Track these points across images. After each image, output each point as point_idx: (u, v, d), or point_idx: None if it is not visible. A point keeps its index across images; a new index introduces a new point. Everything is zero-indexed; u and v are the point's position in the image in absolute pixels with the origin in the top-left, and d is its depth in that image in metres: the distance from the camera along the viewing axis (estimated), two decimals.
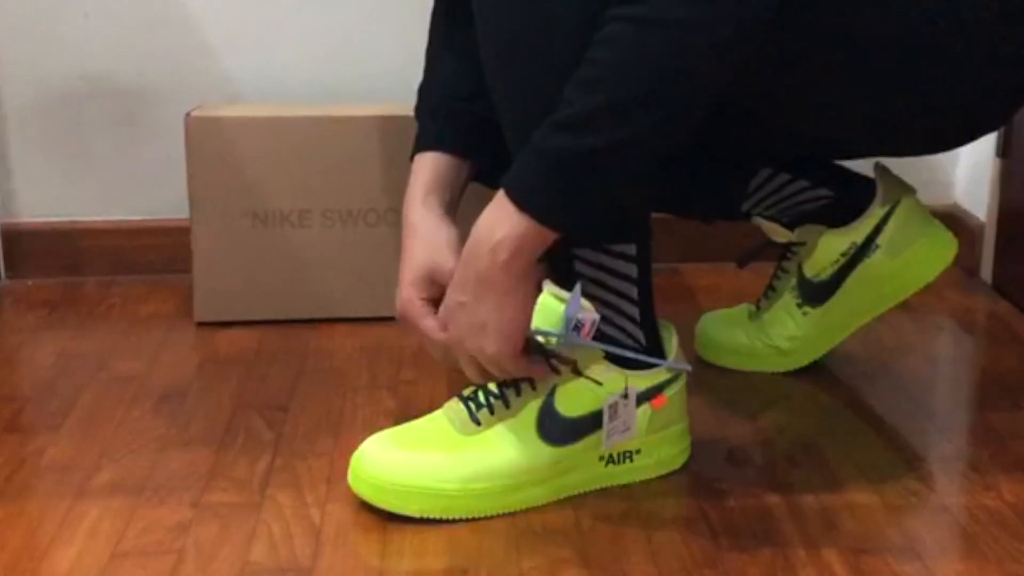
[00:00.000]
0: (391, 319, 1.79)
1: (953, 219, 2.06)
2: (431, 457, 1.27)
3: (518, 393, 1.29)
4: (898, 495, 1.32)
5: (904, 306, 1.86)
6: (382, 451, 1.28)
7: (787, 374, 1.61)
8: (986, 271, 1.96)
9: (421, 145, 1.42)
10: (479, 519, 1.27)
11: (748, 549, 1.22)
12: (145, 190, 1.97)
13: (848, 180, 1.56)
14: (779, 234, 1.57)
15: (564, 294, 1.25)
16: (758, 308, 1.64)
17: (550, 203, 1.16)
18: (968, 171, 2.05)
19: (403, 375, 1.62)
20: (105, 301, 1.89)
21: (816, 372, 1.61)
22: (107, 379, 1.61)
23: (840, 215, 1.54)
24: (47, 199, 1.97)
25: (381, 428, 1.45)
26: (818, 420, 1.50)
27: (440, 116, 1.42)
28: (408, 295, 1.34)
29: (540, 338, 1.24)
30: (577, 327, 1.24)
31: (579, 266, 1.30)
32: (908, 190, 1.57)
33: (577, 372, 1.28)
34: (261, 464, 1.39)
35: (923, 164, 2.07)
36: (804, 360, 1.61)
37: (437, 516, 1.26)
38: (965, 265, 2.01)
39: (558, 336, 1.24)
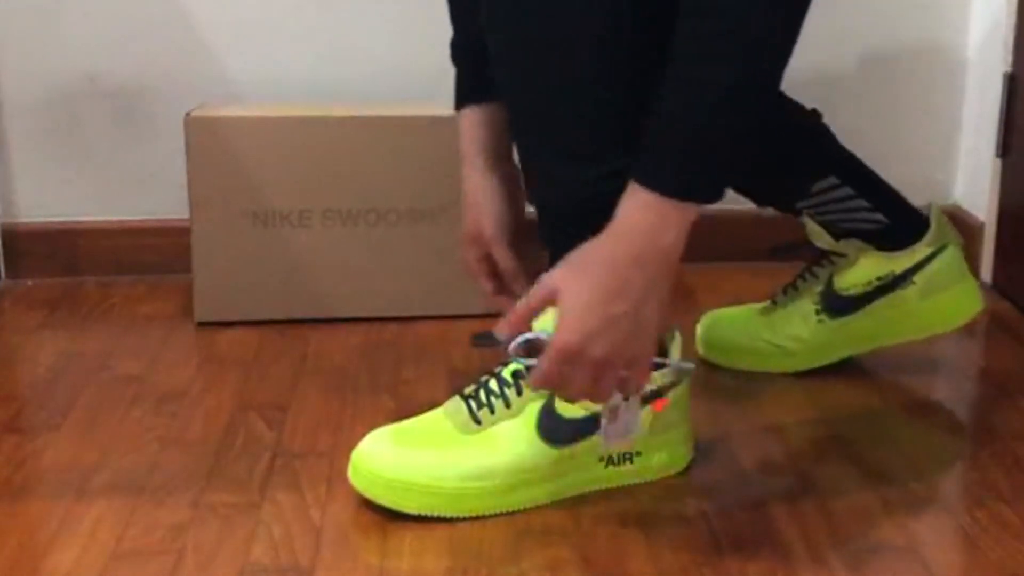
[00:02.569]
0: (391, 319, 1.80)
1: (953, 219, 2.05)
2: (430, 455, 1.27)
3: (519, 393, 1.29)
4: (898, 495, 1.32)
5: None
6: (382, 448, 1.28)
7: (787, 375, 1.61)
8: (986, 271, 1.96)
9: (457, 101, 1.44)
10: (479, 518, 1.27)
11: (748, 549, 1.22)
12: (145, 190, 1.97)
13: (905, 210, 1.59)
14: (824, 240, 1.58)
15: None
16: (774, 303, 1.64)
17: (712, 183, 1.16)
18: (968, 171, 2.05)
19: (403, 375, 1.62)
20: (105, 301, 1.89)
21: (816, 373, 1.61)
22: (107, 379, 1.61)
23: (888, 241, 1.56)
24: (47, 199, 1.97)
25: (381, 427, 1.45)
26: (818, 421, 1.50)
27: (467, 67, 1.44)
28: (463, 255, 1.40)
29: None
30: None
31: None
32: (956, 239, 1.59)
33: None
34: (261, 464, 1.39)
35: (922, 164, 2.07)
36: (803, 364, 1.61)
37: (435, 514, 1.26)
38: None
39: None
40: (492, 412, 1.30)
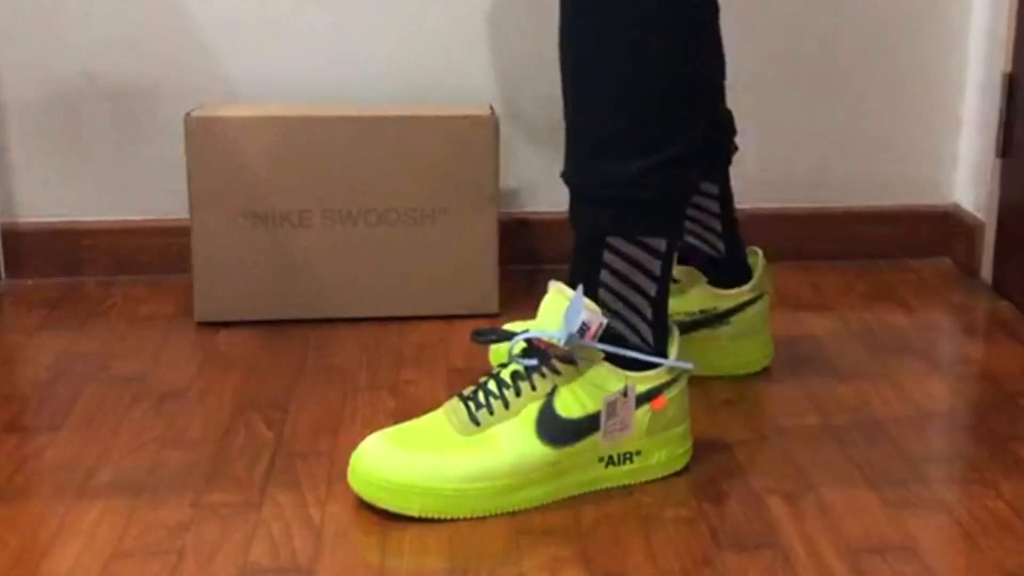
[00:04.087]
0: (391, 319, 1.80)
1: (953, 219, 2.06)
2: (430, 457, 1.27)
3: (518, 393, 1.30)
4: (897, 495, 1.32)
5: (903, 305, 1.86)
6: (381, 450, 1.28)
7: (787, 374, 1.61)
8: (986, 271, 1.96)
9: None
10: (480, 519, 1.27)
11: (748, 549, 1.22)
12: (145, 190, 1.97)
13: (738, 251, 1.62)
14: None
15: (570, 292, 1.25)
16: None
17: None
18: (968, 171, 2.05)
19: (403, 375, 1.62)
20: (105, 301, 1.89)
21: (815, 372, 1.61)
22: (107, 379, 1.61)
23: (716, 274, 1.59)
24: (47, 199, 1.97)
25: (381, 428, 1.45)
26: (817, 420, 1.50)
27: None
28: None
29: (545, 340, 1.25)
30: (583, 329, 1.24)
31: (607, 256, 1.30)
32: (771, 289, 1.63)
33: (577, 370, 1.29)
34: (261, 464, 1.39)
35: (922, 164, 2.07)
36: None
37: (436, 516, 1.26)
38: (965, 265, 2.01)
39: (560, 339, 1.24)
40: (491, 413, 1.30)
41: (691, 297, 1.58)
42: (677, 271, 1.57)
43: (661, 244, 1.31)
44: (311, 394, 1.57)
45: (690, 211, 1.58)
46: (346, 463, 1.30)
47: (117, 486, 1.34)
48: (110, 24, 1.91)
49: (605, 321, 1.27)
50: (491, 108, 1.80)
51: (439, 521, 1.26)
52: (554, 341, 1.26)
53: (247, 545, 1.22)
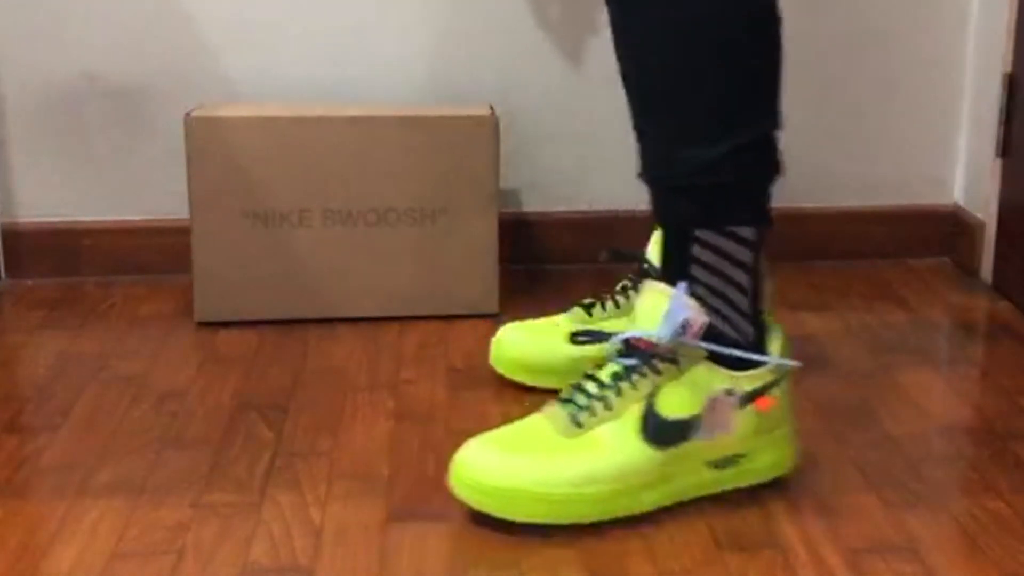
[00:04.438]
0: (391, 319, 1.80)
1: (953, 219, 2.06)
2: (535, 461, 1.25)
3: (619, 394, 1.27)
4: (897, 495, 1.32)
5: (904, 305, 1.86)
6: (485, 455, 1.25)
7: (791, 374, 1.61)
8: (986, 271, 1.96)
9: None
10: (477, 518, 1.27)
11: (748, 549, 1.22)
12: (145, 190, 1.97)
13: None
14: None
15: (670, 290, 1.24)
16: (590, 314, 1.60)
17: None
18: (968, 171, 2.05)
19: (403, 375, 1.62)
20: (105, 301, 1.89)
21: (815, 372, 1.61)
22: (107, 379, 1.61)
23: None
24: (47, 199, 1.97)
25: (381, 427, 1.46)
26: (817, 420, 1.50)
27: None
28: None
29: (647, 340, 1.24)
30: (684, 327, 1.23)
31: (696, 250, 1.28)
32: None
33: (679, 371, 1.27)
34: (261, 464, 1.39)
35: (922, 164, 2.07)
36: None
37: (543, 522, 1.23)
38: (965, 265, 2.01)
39: (662, 338, 1.24)
40: (593, 415, 1.27)
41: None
42: None
43: (749, 232, 1.28)
44: (311, 394, 1.57)
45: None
46: (346, 462, 1.30)
47: (117, 486, 1.34)
48: (111, 25, 1.91)
49: (707, 319, 1.24)
50: (491, 108, 1.80)
51: (438, 520, 1.26)
52: (655, 340, 1.25)
53: (247, 545, 1.22)
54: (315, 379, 1.61)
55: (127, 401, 1.54)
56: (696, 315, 1.24)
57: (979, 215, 2.00)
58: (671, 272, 1.29)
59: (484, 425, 1.47)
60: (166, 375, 1.62)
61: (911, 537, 1.24)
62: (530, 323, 1.61)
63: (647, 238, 1.57)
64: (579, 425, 1.27)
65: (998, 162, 1.93)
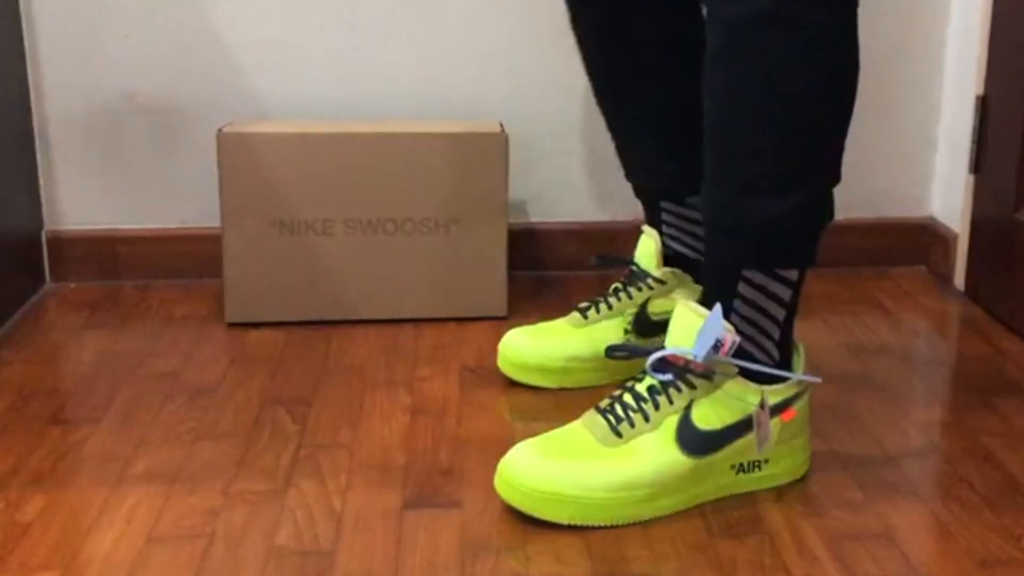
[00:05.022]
0: (407, 320, 1.80)
1: (929, 230, 2.06)
2: (578, 467, 1.24)
3: (656, 407, 1.27)
4: (877, 487, 1.32)
5: (883, 311, 1.86)
6: (530, 460, 1.25)
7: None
8: (959, 279, 1.96)
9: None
10: (487, 507, 1.27)
11: (738, 536, 1.22)
12: (180, 200, 1.97)
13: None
14: (653, 263, 1.55)
15: (702, 310, 1.24)
16: (586, 316, 1.58)
17: None
18: (943, 186, 2.05)
19: (418, 372, 1.62)
20: (142, 303, 1.89)
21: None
22: (144, 375, 1.61)
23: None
24: (89, 208, 1.97)
25: (398, 421, 1.46)
26: None
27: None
28: None
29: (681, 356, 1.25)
30: (717, 346, 1.23)
31: (742, 287, 1.27)
32: None
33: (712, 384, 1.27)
34: (286, 455, 1.39)
35: (901, 179, 2.07)
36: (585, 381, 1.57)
37: (584, 524, 1.23)
38: (940, 273, 2.01)
39: (697, 355, 1.24)
40: (632, 426, 1.26)
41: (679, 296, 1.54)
42: (663, 272, 1.56)
43: (795, 274, 1.28)
44: (333, 390, 1.57)
45: (680, 236, 1.57)
46: (365, 453, 1.30)
47: (153, 475, 1.34)
48: (148, 46, 1.91)
49: (738, 339, 1.24)
50: (501, 125, 1.81)
51: (451, 508, 1.26)
52: (691, 357, 1.25)
53: (273, 530, 1.23)
54: (337, 376, 1.61)
55: (162, 396, 1.55)
56: (727, 335, 1.24)
57: (953, 227, 1.99)
58: (710, 300, 1.28)
59: (494, 419, 1.47)
60: (199, 372, 1.62)
61: (889, 525, 1.24)
62: (530, 328, 1.61)
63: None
64: (619, 435, 1.26)
65: (971, 178, 1.93)
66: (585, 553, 1.18)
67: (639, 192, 1.60)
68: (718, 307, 1.24)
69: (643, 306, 1.57)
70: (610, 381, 1.54)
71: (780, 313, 1.29)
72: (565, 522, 1.23)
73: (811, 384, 1.34)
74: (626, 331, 1.57)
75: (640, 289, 1.57)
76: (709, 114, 1.26)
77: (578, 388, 1.55)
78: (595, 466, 1.24)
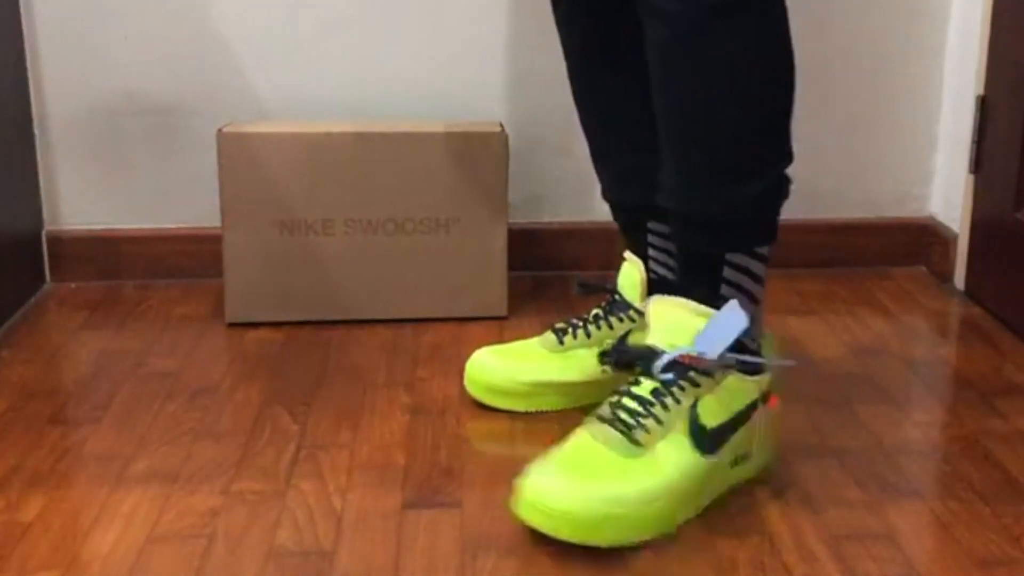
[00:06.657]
0: (407, 321, 1.80)
1: (929, 230, 2.06)
2: (605, 484, 1.19)
3: (665, 408, 1.24)
4: (876, 486, 1.32)
5: (883, 311, 1.86)
6: (555, 482, 1.18)
7: (777, 373, 1.61)
8: (959, 278, 1.96)
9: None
10: (488, 506, 1.27)
11: (738, 535, 1.22)
12: (180, 200, 1.98)
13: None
14: (636, 294, 1.49)
15: (694, 306, 1.24)
16: (561, 341, 1.53)
17: None
18: (943, 186, 2.05)
19: (418, 372, 1.63)
20: (142, 303, 1.89)
21: (801, 371, 1.61)
22: (144, 375, 1.61)
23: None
24: (89, 208, 1.97)
25: (398, 421, 1.46)
26: (803, 417, 1.50)
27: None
28: None
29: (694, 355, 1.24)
30: (733, 346, 1.24)
31: (727, 272, 1.28)
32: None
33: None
34: (286, 455, 1.39)
35: (901, 179, 2.07)
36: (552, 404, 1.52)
37: (616, 543, 1.18)
38: (940, 273, 2.01)
39: (706, 353, 1.23)
40: (648, 432, 1.23)
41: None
42: (645, 305, 1.45)
43: (767, 249, 1.30)
44: (333, 390, 1.57)
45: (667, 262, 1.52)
46: (365, 453, 1.30)
47: (153, 474, 1.34)
48: (149, 46, 1.91)
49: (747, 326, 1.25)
50: (501, 125, 1.81)
51: (450, 507, 1.26)
52: (708, 357, 1.23)
53: (273, 530, 1.23)
54: (337, 376, 1.61)
55: (163, 396, 1.55)
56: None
57: (953, 227, 2.00)
58: (697, 293, 1.28)
59: (494, 419, 1.47)
60: (199, 372, 1.62)
61: (889, 525, 1.24)
62: (500, 347, 1.55)
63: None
64: (637, 443, 1.22)
65: (971, 178, 1.93)
66: (585, 553, 1.18)
67: (621, 212, 1.56)
68: (734, 302, 1.24)
69: (622, 339, 1.49)
70: (575, 406, 1.49)
71: (758, 291, 1.30)
72: (606, 545, 1.17)
73: (788, 366, 1.34)
74: (602, 362, 1.46)
75: (621, 320, 1.51)
76: (669, 110, 1.26)
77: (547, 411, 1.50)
78: (625, 482, 1.19)
